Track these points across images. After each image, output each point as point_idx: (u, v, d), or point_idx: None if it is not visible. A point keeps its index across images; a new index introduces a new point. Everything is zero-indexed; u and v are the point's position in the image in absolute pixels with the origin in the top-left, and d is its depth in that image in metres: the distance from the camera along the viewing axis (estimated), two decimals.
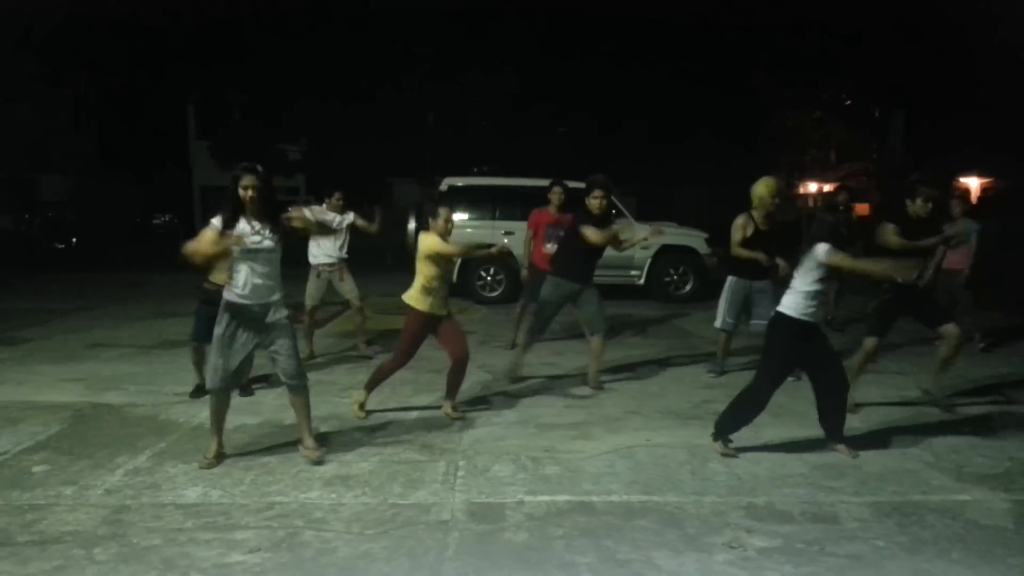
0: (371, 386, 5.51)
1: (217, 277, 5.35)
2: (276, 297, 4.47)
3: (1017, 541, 3.62)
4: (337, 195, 7.37)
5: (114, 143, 29.87)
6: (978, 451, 4.86)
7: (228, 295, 4.40)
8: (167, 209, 30.68)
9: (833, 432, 4.82)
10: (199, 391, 5.99)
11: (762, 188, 6.31)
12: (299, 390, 4.63)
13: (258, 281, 4.38)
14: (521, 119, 20.20)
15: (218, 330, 4.42)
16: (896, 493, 4.17)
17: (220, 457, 4.55)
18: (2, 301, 11.22)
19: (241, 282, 4.37)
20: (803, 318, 4.55)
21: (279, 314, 4.47)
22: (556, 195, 7.58)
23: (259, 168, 4.40)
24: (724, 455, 4.73)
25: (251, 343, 4.48)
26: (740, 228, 6.36)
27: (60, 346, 8.00)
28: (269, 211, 4.38)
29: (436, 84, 20.04)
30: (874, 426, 5.36)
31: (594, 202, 6.06)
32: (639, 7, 18.22)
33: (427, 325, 5.33)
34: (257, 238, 4.33)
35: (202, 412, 5.56)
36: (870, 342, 5.68)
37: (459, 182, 12.03)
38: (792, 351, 4.65)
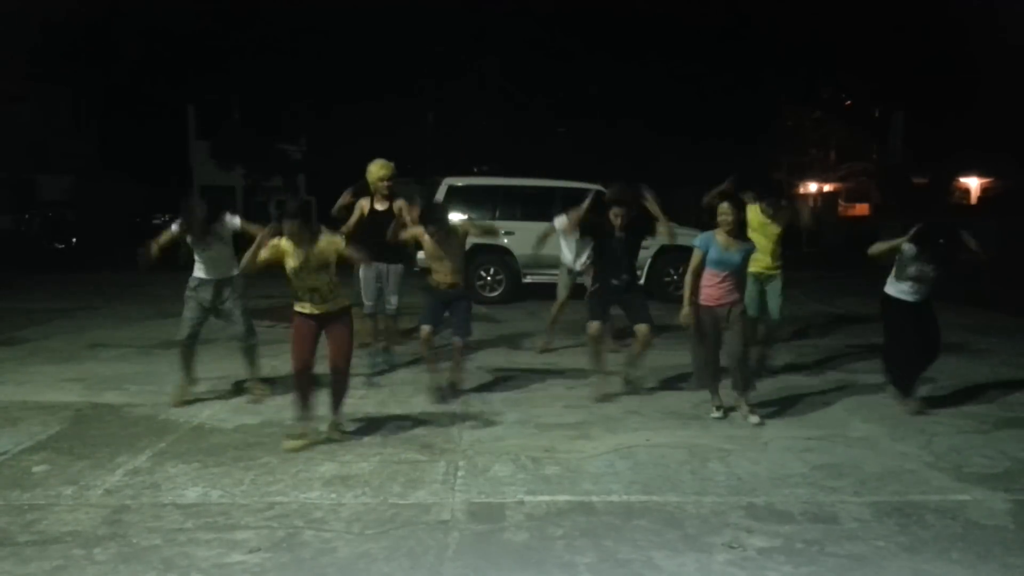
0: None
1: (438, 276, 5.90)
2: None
3: (1017, 541, 3.62)
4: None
5: (114, 143, 29.84)
6: (978, 451, 4.86)
7: None
8: (167, 209, 30.67)
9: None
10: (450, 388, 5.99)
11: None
12: None
13: None
14: (521, 119, 20.19)
15: None
16: (896, 493, 4.17)
17: None
18: (2, 301, 11.22)
19: None
20: None
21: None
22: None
23: None
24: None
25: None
26: None
27: (60, 346, 8.00)
28: None
29: (435, 84, 20.03)
30: (874, 426, 5.36)
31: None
32: (637, 5, 18.21)
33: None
34: None
35: (203, 412, 5.58)
36: None
37: (459, 182, 12.02)
38: None
